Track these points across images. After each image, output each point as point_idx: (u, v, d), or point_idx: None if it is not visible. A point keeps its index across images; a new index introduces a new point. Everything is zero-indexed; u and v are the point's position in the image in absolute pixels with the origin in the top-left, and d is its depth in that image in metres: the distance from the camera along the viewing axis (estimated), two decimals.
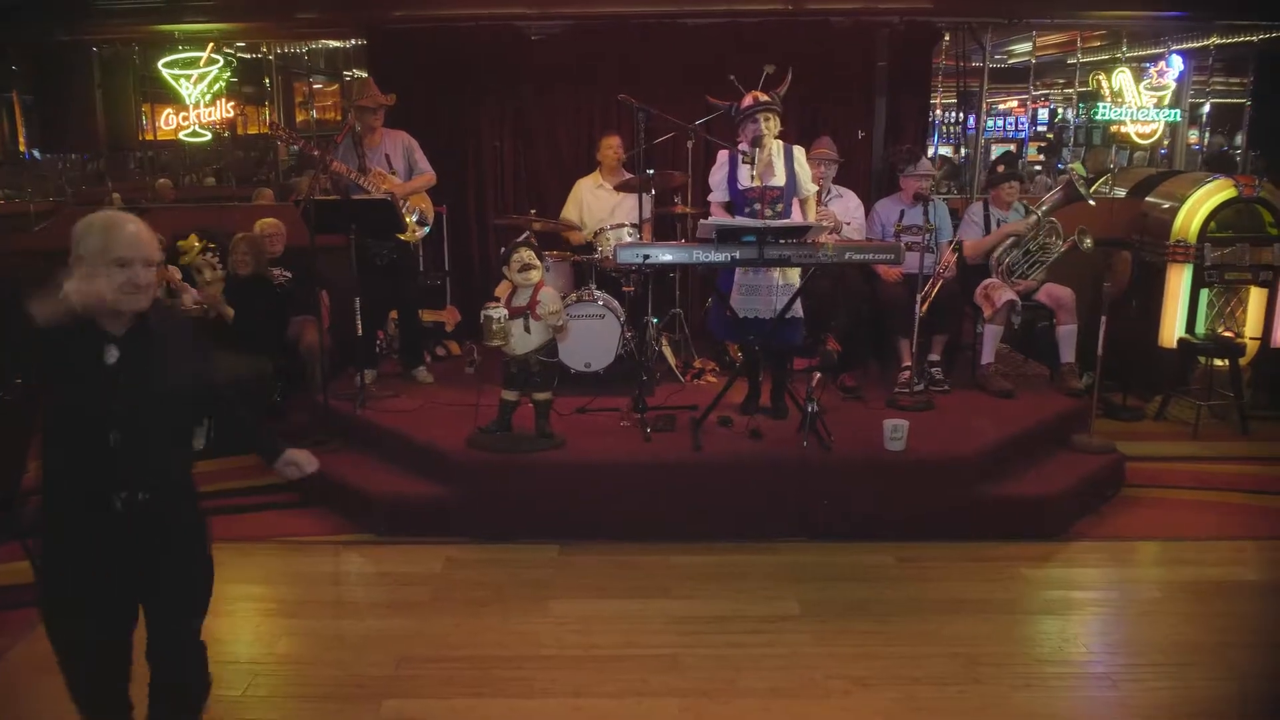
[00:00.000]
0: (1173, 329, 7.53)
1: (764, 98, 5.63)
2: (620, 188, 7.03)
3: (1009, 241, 6.74)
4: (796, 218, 5.73)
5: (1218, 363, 7.30)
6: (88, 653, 3.02)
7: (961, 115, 9.22)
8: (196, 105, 9.17)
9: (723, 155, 5.84)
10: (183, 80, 9.04)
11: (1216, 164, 9.93)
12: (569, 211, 7.37)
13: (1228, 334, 7.43)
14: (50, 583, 2.94)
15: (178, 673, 3.22)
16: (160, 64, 8.98)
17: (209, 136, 9.51)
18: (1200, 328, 7.51)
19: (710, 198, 5.92)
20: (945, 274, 6.53)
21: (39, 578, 2.97)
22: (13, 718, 3.88)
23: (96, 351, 2.75)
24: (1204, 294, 7.50)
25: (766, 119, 5.63)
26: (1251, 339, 7.55)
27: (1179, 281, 7.55)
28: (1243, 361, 7.34)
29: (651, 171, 6.50)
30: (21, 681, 4.11)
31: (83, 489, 2.82)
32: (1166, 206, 7.71)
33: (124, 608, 3.00)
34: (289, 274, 7.00)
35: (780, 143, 5.72)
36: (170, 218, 8.35)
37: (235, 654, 4.38)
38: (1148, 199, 8.04)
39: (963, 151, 9.53)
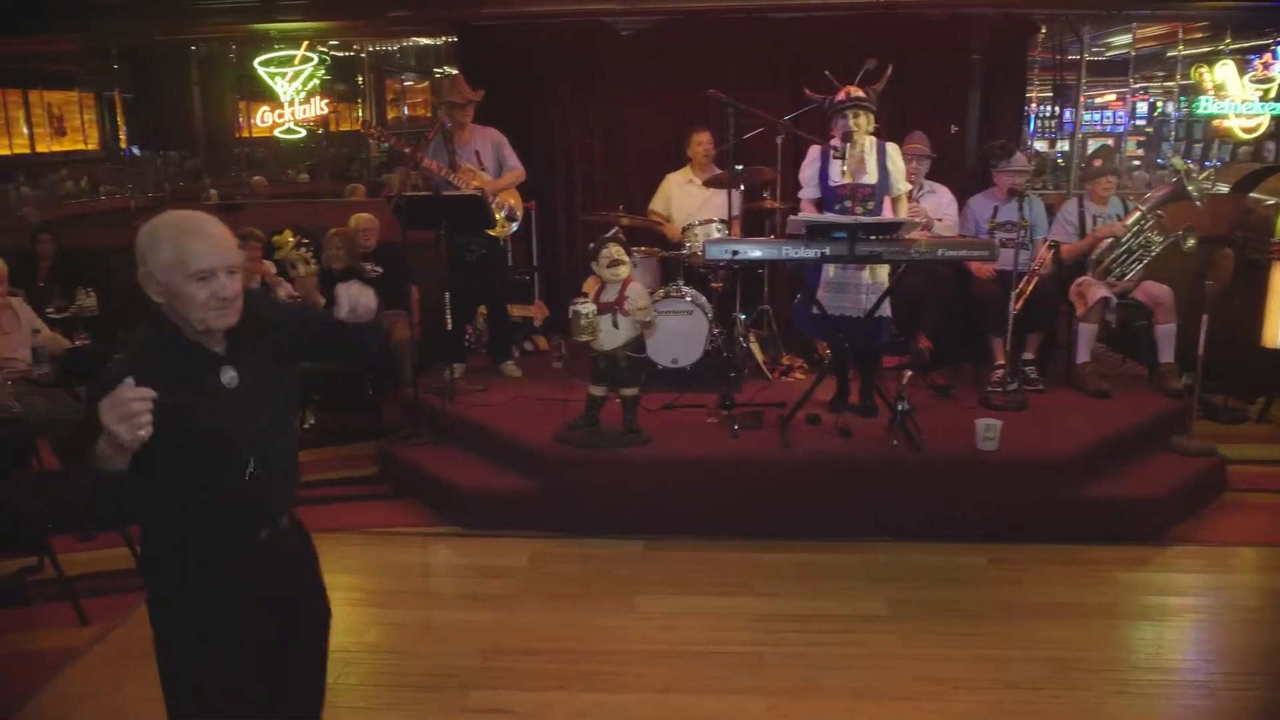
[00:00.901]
0: (1276, 328, 7.26)
1: (857, 93, 5.57)
2: (709, 183, 7.01)
3: (1107, 242, 6.58)
4: (888, 216, 5.66)
5: None
6: (249, 699, 2.56)
7: (1058, 109, 9.02)
8: (291, 103, 9.35)
9: (814, 151, 5.78)
10: (278, 78, 9.22)
11: None
12: (656, 205, 7.37)
13: None
14: (197, 645, 2.49)
15: (311, 696, 2.88)
16: (256, 62, 9.16)
17: (303, 133, 9.69)
18: None
19: (801, 194, 5.86)
20: (1040, 271, 6.40)
21: (171, 645, 2.51)
22: (108, 701, 3.97)
23: (211, 377, 2.39)
24: None
25: (856, 115, 5.56)
26: None
27: None
28: None
29: (741, 167, 6.48)
30: (119, 666, 4.23)
31: (224, 532, 2.46)
32: (1271, 203, 7.47)
33: (274, 645, 2.65)
34: (380, 269, 7.10)
35: (874, 139, 5.65)
36: (265, 213, 8.55)
37: None
38: (1251, 195, 7.81)
39: (1057, 146, 9.31)
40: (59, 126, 13.52)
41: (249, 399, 2.42)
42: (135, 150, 11.51)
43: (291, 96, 9.29)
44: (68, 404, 5.81)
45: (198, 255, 2.28)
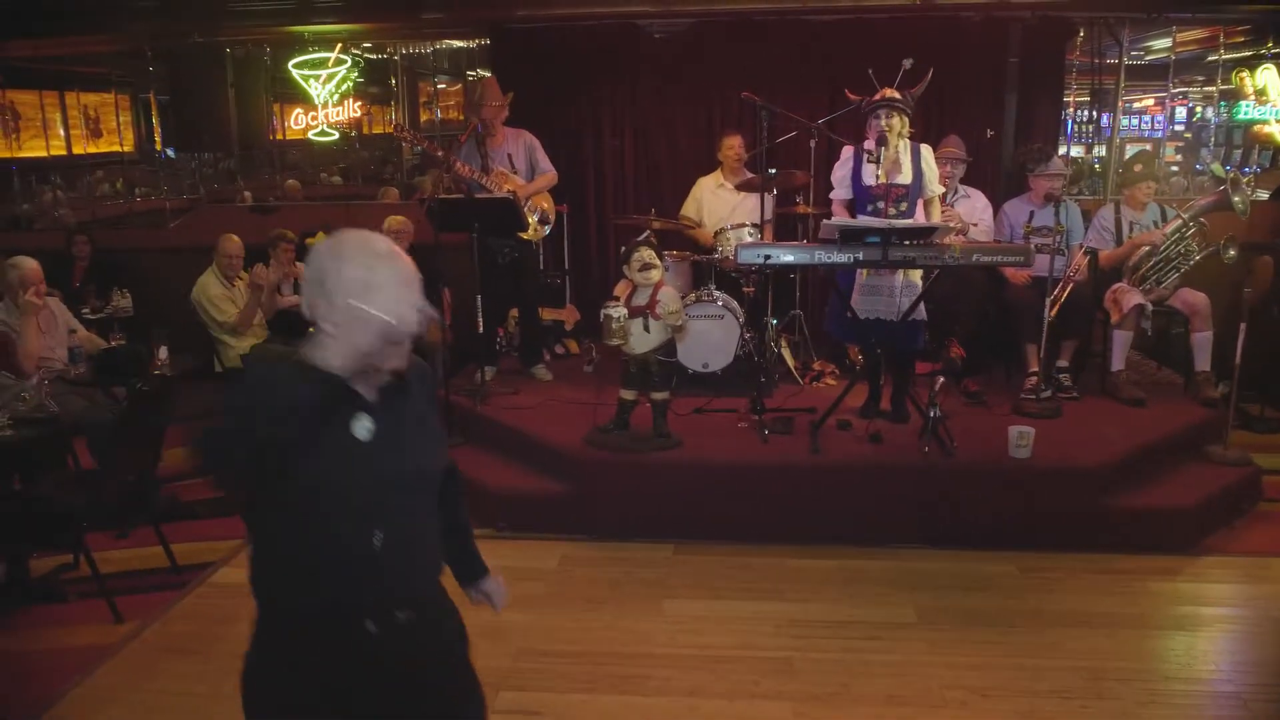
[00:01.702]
0: None
1: (892, 94, 5.54)
2: (741, 187, 7.00)
3: (1145, 249, 6.51)
4: (920, 218, 5.62)
5: None
6: None
7: (1095, 114, 8.94)
8: (325, 105, 9.42)
9: (847, 151, 5.76)
10: (311, 80, 9.28)
11: None
12: (688, 209, 7.36)
13: None
14: None
15: None
16: (290, 64, 9.23)
17: (336, 136, 9.75)
18: None
19: (832, 195, 5.83)
20: (1075, 277, 6.34)
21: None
22: (143, 695, 4.01)
23: (344, 421, 2.07)
24: None
25: (890, 116, 5.53)
26: None
27: None
28: None
29: (774, 171, 6.46)
30: (154, 661, 4.27)
31: (326, 606, 2.10)
32: None
33: None
34: None
35: (908, 141, 5.62)
36: (299, 216, 8.60)
37: None
38: None
39: (1094, 152, 9.23)
40: (95, 128, 13.68)
41: (385, 458, 2.10)
42: (170, 152, 11.63)
43: (325, 99, 9.36)
44: (103, 404, 5.88)
45: (391, 283, 2.02)
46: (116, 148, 13.82)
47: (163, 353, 6.18)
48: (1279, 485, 6.05)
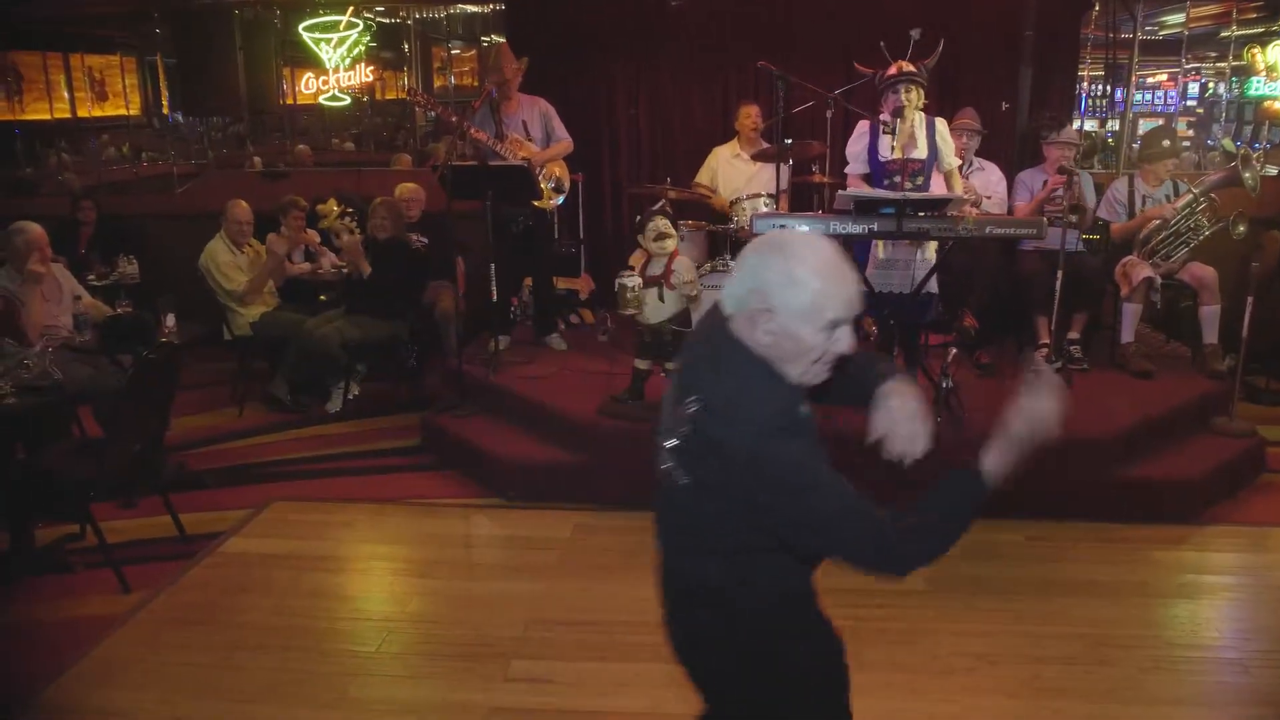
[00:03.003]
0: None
1: (908, 68, 5.53)
2: (757, 157, 6.98)
3: (1156, 223, 6.52)
4: (936, 190, 5.63)
5: None
6: None
7: (1109, 88, 8.92)
8: (336, 69, 9.37)
9: (863, 125, 5.75)
10: (323, 44, 9.24)
11: None
12: (702, 177, 7.33)
13: None
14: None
15: None
16: (301, 27, 9.17)
17: (348, 101, 9.71)
18: None
19: (848, 169, 5.83)
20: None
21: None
22: (151, 666, 4.03)
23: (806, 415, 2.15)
24: None
25: (908, 90, 5.53)
26: None
27: None
28: None
29: (790, 141, 6.44)
30: (162, 632, 4.29)
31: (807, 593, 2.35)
32: None
33: None
34: (425, 239, 7.12)
35: (923, 114, 5.62)
36: (310, 182, 8.58)
37: (369, 611, 4.54)
38: None
39: (1107, 126, 9.22)
40: (100, 91, 13.59)
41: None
42: (178, 116, 11.58)
43: (336, 63, 9.32)
44: (109, 372, 5.88)
45: (840, 303, 2.02)
46: (122, 111, 13.75)
47: (170, 320, 6.20)
48: None
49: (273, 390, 6.97)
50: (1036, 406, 2.13)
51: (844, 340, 2.08)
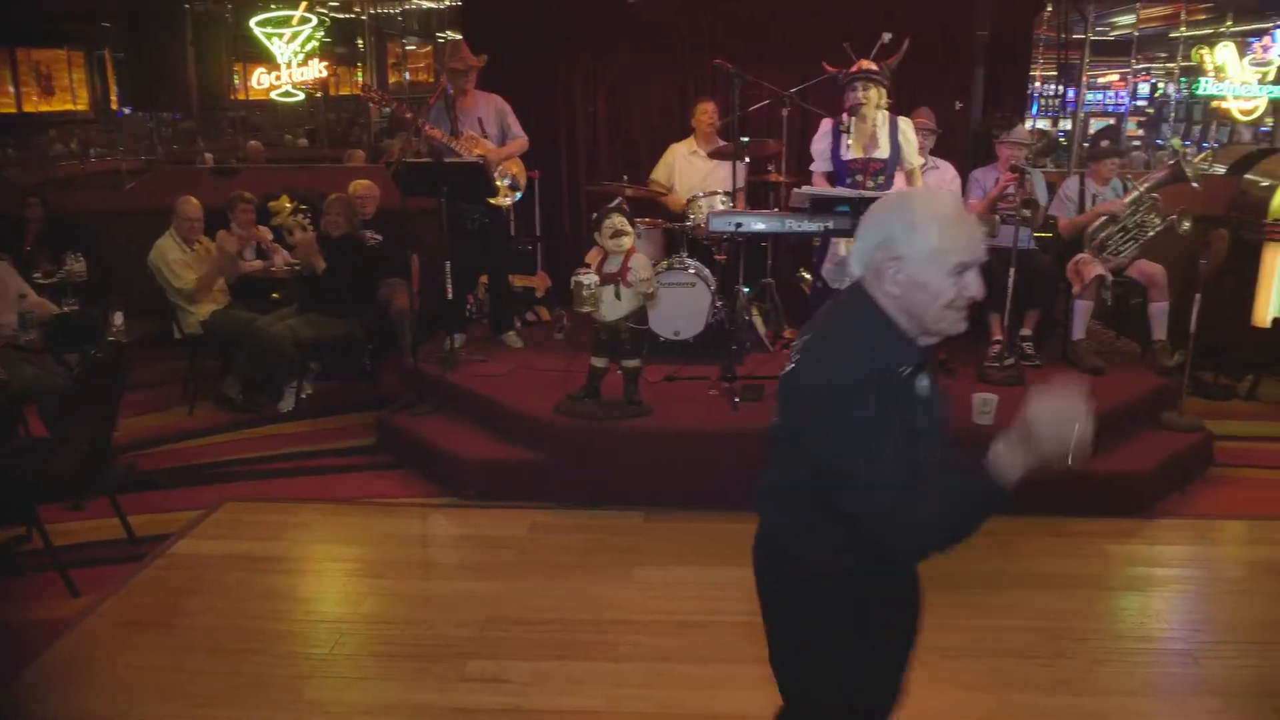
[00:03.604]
0: (1267, 308, 7.34)
1: (868, 66, 5.56)
2: (714, 155, 6.98)
3: (1104, 218, 6.62)
4: (896, 187, 5.67)
5: None
6: None
7: (1061, 88, 9.03)
8: (289, 65, 9.26)
9: (826, 124, 5.78)
10: (275, 39, 9.14)
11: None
12: (658, 173, 7.33)
13: None
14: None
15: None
16: (253, 22, 9.07)
17: (301, 97, 9.61)
18: None
19: (812, 167, 5.86)
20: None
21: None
22: (103, 670, 3.96)
23: (913, 382, 2.12)
24: None
25: (865, 89, 5.56)
26: None
27: (1275, 260, 7.33)
28: None
29: (746, 139, 6.45)
30: (112, 636, 4.21)
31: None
32: (1265, 184, 7.53)
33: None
34: (379, 236, 7.07)
35: (886, 113, 5.65)
36: (262, 178, 8.46)
37: (323, 613, 4.49)
38: (1246, 176, 7.89)
39: (1059, 125, 9.34)
40: (47, 85, 13.36)
41: (931, 413, 2.17)
42: (127, 111, 11.42)
43: (289, 58, 9.22)
44: (56, 371, 5.78)
45: (963, 246, 2.06)
46: (70, 106, 13.52)
47: (118, 319, 6.10)
48: (1231, 450, 6.20)
49: (224, 389, 6.88)
50: (1049, 409, 2.03)
51: (974, 285, 2.09)
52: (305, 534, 5.25)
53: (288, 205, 7.06)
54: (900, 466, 1.99)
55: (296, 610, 4.50)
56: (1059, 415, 1.99)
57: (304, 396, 6.95)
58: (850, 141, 5.55)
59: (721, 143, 7.04)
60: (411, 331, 6.58)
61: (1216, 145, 9.90)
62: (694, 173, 7.15)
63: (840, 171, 5.68)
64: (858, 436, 2.00)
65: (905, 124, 5.74)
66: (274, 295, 7.31)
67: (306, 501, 5.56)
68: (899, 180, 5.72)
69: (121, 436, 5.75)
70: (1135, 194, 6.56)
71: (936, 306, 2.08)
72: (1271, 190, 7.34)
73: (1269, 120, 9.77)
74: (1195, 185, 6.54)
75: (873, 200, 4.96)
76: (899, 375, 2.07)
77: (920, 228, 2.06)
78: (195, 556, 4.91)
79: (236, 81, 9.98)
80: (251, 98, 10.36)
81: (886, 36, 5.58)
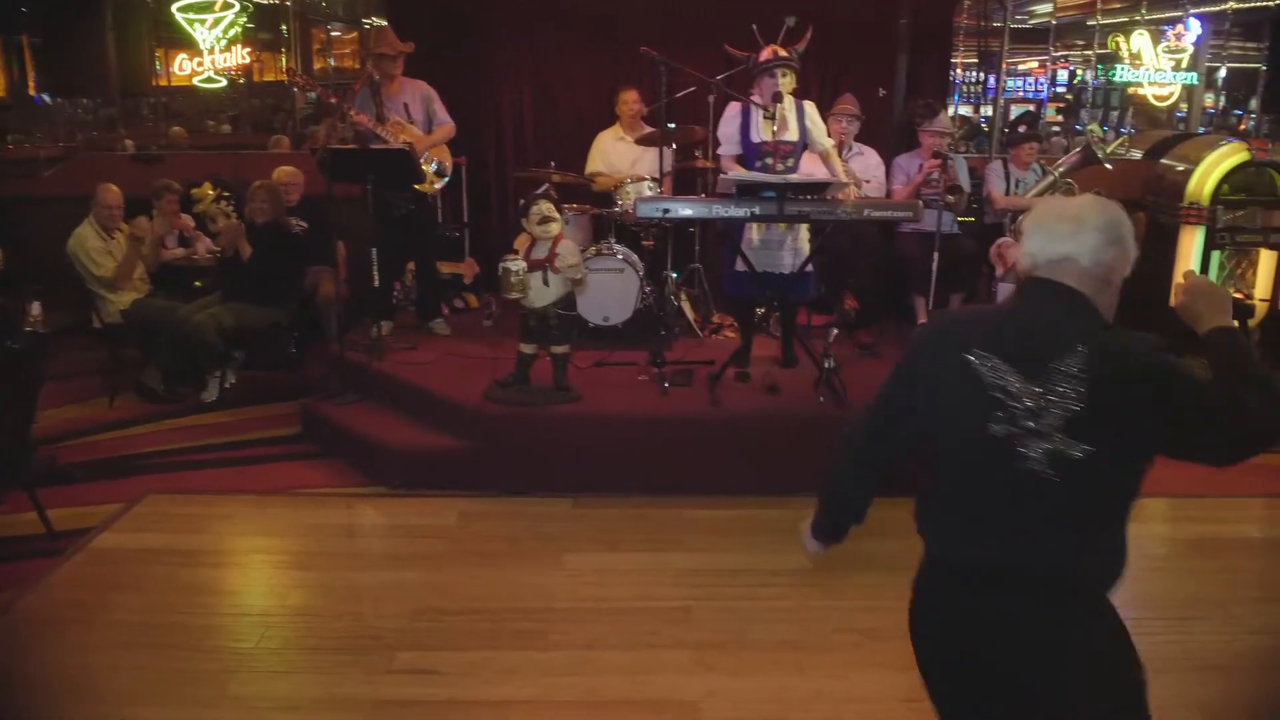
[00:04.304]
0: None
1: (783, 53, 5.60)
2: (641, 141, 7.00)
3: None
4: (806, 170, 5.72)
5: None
6: None
7: (982, 75, 9.17)
8: (211, 51, 9.12)
9: (734, 107, 5.80)
10: (197, 25, 8.99)
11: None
12: (595, 165, 7.31)
13: (1238, 295, 7.41)
14: None
15: None
16: (174, 8, 8.91)
17: (224, 83, 9.47)
18: None
19: (721, 150, 5.88)
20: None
21: None
22: (19, 669, 3.90)
23: None
24: (1215, 256, 7.49)
25: (784, 74, 5.61)
26: (1261, 300, 7.55)
27: (1191, 243, 7.53)
28: (1252, 323, 7.35)
29: (673, 125, 6.47)
30: (30, 634, 4.14)
31: None
32: (1181, 169, 7.72)
33: None
34: (305, 223, 6.99)
35: (792, 98, 5.70)
36: (185, 165, 8.33)
37: (248, 606, 4.44)
38: (1162, 161, 8.06)
39: (981, 111, 9.48)
40: None
41: None
42: (45, 97, 11.16)
43: (211, 44, 9.07)
44: None
45: (1056, 239, 2.19)
46: None
47: (35, 308, 5.99)
48: None
49: (145, 380, 6.76)
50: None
51: None
52: (229, 526, 5.18)
53: (211, 192, 6.97)
54: None
55: (221, 604, 4.43)
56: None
57: (227, 386, 6.85)
58: (773, 126, 5.59)
59: (647, 129, 7.06)
60: (338, 319, 6.52)
61: (1133, 130, 10.11)
62: (621, 159, 7.17)
63: (750, 154, 5.71)
64: (1200, 376, 2.05)
65: (811, 108, 5.81)
66: (196, 283, 7.21)
67: (230, 493, 5.49)
68: (805, 163, 5.79)
69: (40, 429, 5.63)
70: (1050, 178, 6.72)
71: (1114, 305, 2.23)
72: (1187, 175, 7.53)
73: (1184, 106, 10.03)
74: (1108, 166, 6.72)
75: (797, 185, 5.07)
76: None
77: (1129, 240, 2.18)
78: (116, 551, 4.83)
79: (158, 67, 9.78)
80: (174, 84, 10.16)
81: (790, 21, 5.62)
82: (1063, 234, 2.18)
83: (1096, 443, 2.07)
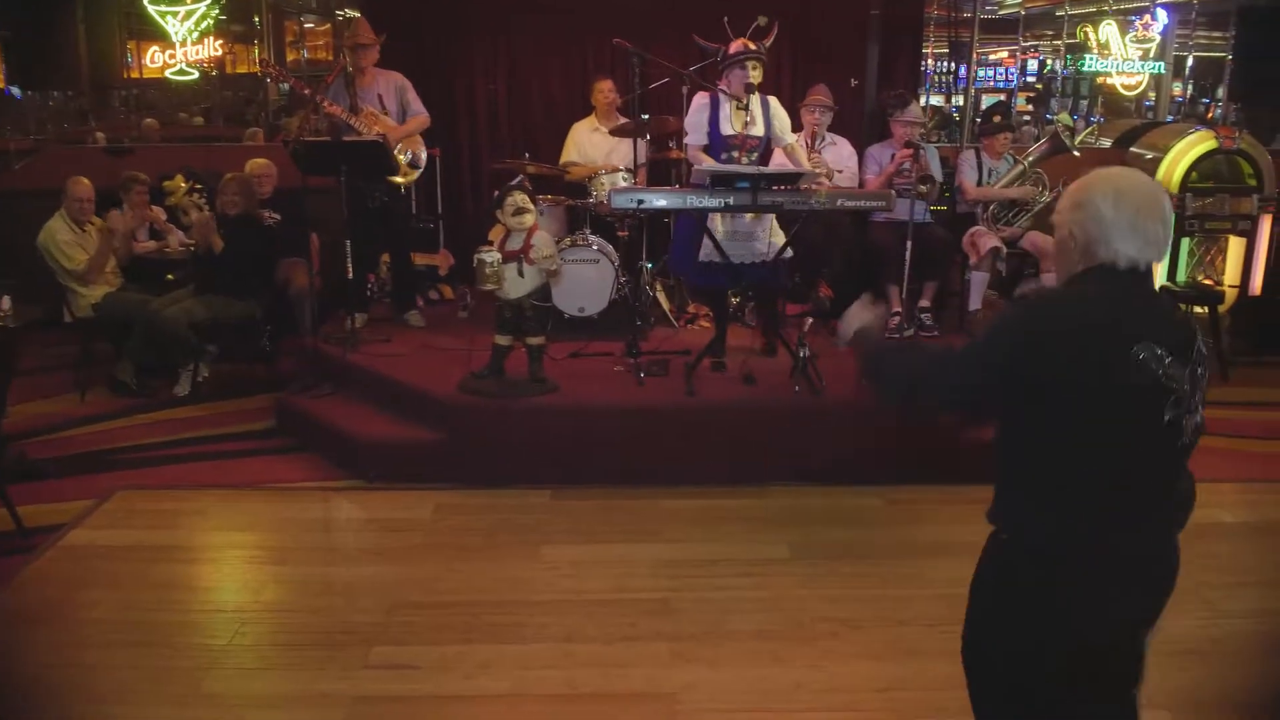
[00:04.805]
0: (1155, 277, 7.59)
1: (753, 46, 5.61)
2: (615, 132, 6.98)
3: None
4: (772, 164, 5.74)
5: (1198, 310, 7.34)
6: None
7: (953, 65, 9.21)
8: (183, 43, 9.06)
9: (702, 98, 5.79)
10: (169, 17, 8.94)
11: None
12: (571, 156, 7.29)
13: (1208, 282, 7.50)
14: None
15: None
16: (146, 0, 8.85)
17: (196, 75, 9.41)
18: (1181, 276, 7.58)
19: (688, 140, 5.86)
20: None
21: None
22: None
23: None
24: (1185, 243, 7.55)
25: (755, 67, 5.62)
26: (1230, 287, 7.62)
27: None
28: (1222, 309, 7.42)
29: (647, 116, 6.47)
30: (1, 632, 4.11)
31: None
32: (1150, 157, 7.76)
33: None
34: (278, 216, 6.95)
35: (758, 94, 5.72)
36: (157, 157, 8.27)
37: (222, 602, 4.40)
38: (1131, 149, 8.11)
39: (952, 101, 9.53)
40: None
41: None
42: (15, 90, 11.06)
43: (184, 36, 9.01)
44: None
45: (1152, 241, 2.30)
46: None
47: (5, 303, 5.91)
48: None
49: (117, 374, 6.71)
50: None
51: None
52: (203, 521, 5.15)
53: (182, 185, 6.91)
54: None
55: (195, 600, 4.41)
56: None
57: (200, 380, 6.81)
58: (746, 118, 5.60)
59: (622, 119, 7.05)
60: (311, 312, 6.49)
61: (1102, 120, 10.17)
62: (596, 149, 7.16)
63: (717, 146, 5.71)
64: None
65: (775, 103, 5.81)
66: (169, 276, 7.17)
67: (204, 488, 5.45)
68: (778, 156, 5.77)
69: (10, 424, 5.58)
70: (1019, 168, 6.78)
71: None
72: (1156, 163, 7.58)
73: (1152, 95, 10.11)
74: (1076, 154, 6.77)
75: (770, 175, 5.08)
76: None
77: (1120, 209, 2.31)
78: (88, 547, 4.78)
79: (130, 60, 9.71)
80: (145, 76, 10.11)
81: (762, 20, 5.64)
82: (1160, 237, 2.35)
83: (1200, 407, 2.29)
